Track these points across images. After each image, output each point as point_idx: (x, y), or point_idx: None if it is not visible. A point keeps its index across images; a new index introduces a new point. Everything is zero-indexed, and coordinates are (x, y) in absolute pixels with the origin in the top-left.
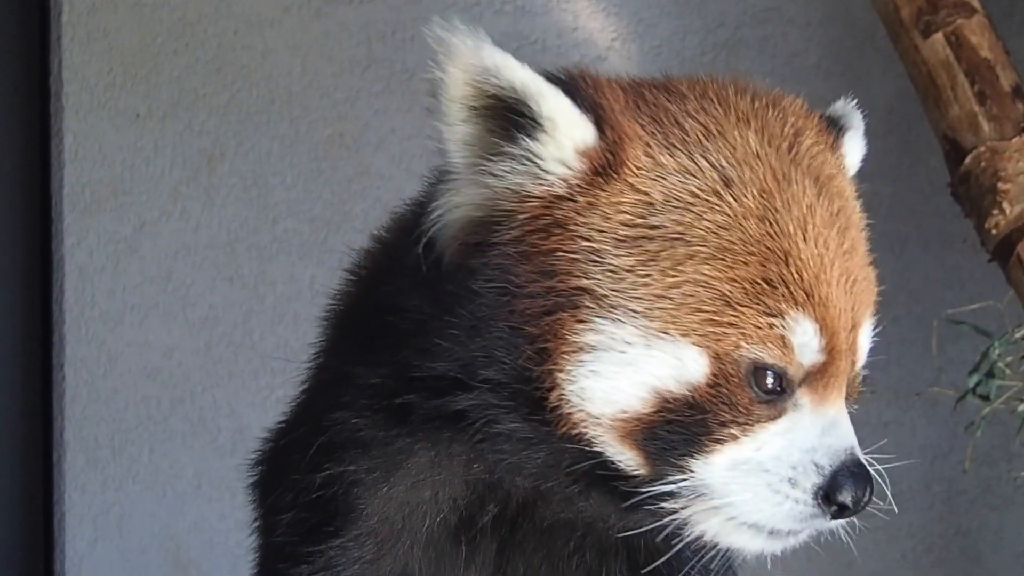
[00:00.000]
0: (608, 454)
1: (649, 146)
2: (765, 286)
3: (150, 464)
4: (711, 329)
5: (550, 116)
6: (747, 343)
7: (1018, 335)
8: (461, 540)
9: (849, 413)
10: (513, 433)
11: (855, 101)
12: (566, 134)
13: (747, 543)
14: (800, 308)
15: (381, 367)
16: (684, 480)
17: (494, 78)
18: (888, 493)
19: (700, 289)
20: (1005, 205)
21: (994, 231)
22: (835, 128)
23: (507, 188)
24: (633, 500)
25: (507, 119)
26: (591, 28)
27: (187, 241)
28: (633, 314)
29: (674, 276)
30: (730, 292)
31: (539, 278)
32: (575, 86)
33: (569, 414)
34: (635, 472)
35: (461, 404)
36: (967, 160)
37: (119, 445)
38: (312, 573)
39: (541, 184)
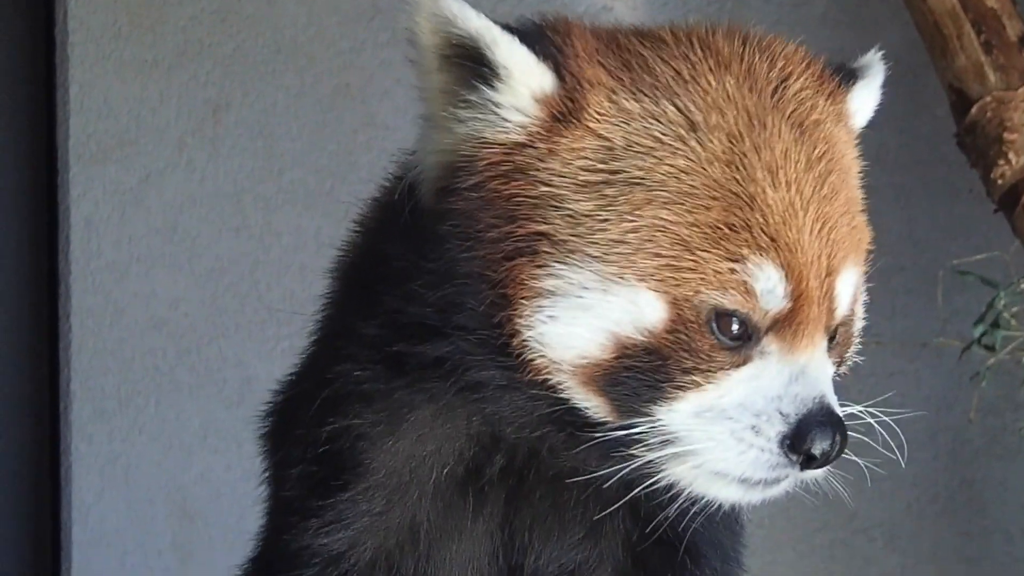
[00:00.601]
0: (575, 401)
1: (614, 92)
2: (727, 231)
3: (156, 415)
4: (669, 274)
5: (505, 64)
6: (707, 288)
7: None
8: (469, 491)
9: (845, 363)
10: (488, 381)
11: (880, 53)
12: (521, 82)
13: (719, 492)
14: (763, 253)
15: (376, 317)
16: (648, 426)
17: (453, 27)
18: (892, 444)
19: (658, 234)
20: (1011, 155)
21: (1000, 181)
22: (844, 77)
23: (470, 134)
24: (592, 444)
25: (471, 68)
26: None
27: (193, 192)
28: (590, 259)
29: (632, 221)
30: (689, 237)
31: (500, 223)
32: (539, 34)
33: (532, 360)
34: (602, 419)
35: (439, 351)
36: (973, 110)
37: (125, 396)
38: (322, 526)
39: (500, 131)
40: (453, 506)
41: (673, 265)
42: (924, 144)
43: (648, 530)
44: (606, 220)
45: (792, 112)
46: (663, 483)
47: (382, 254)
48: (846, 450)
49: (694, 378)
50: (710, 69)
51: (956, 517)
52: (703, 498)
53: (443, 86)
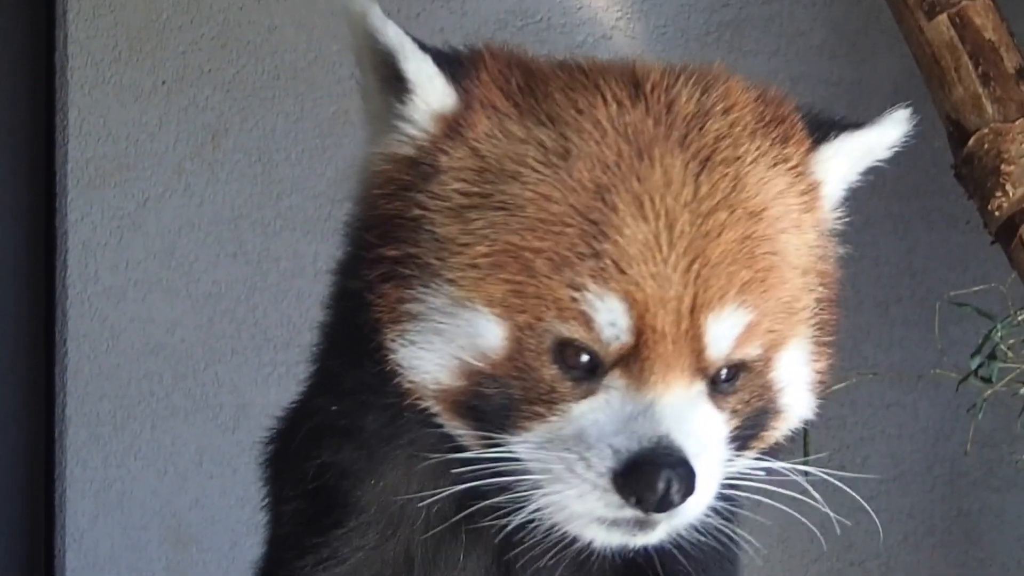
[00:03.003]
0: (447, 428)
1: (502, 114)
2: (574, 259)
3: (152, 440)
4: (515, 300)
5: (412, 77)
6: (548, 316)
7: (1020, 317)
8: (461, 528)
9: (774, 418)
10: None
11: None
12: (423, 96)
13: (582, 532)
14: (606, 283)
15: (338, 348)
16: (503, 456)
17: (375, 40)
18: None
19: (509, 259)
20: (1008, 187)
21: (997, 213)
22: (820, 127)
23: (381, 149)
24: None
25: (392, 82)
26: (596, 7)
27: (191, 217)
28: (446, 283)
29: (488, 245)
30: (537, 263)
31: (379, 243)
32: (454, 55)
33: (403, 385)
34: (471, 447)
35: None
36: (970, 142)
37: (121, 421)
38: (318, 563)
39: (399, 145)
40: (445, 542)
41: (519, 291)
42: (922, 175)
43: (635, 569)
44: (465, 244)
45: (698, 147)
46: (534, 518)
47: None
48: (846, 489)
49: (538, 408)
50: (613, 101)
51: (952, 548)
52: (577, 539)
53: (373, 102)
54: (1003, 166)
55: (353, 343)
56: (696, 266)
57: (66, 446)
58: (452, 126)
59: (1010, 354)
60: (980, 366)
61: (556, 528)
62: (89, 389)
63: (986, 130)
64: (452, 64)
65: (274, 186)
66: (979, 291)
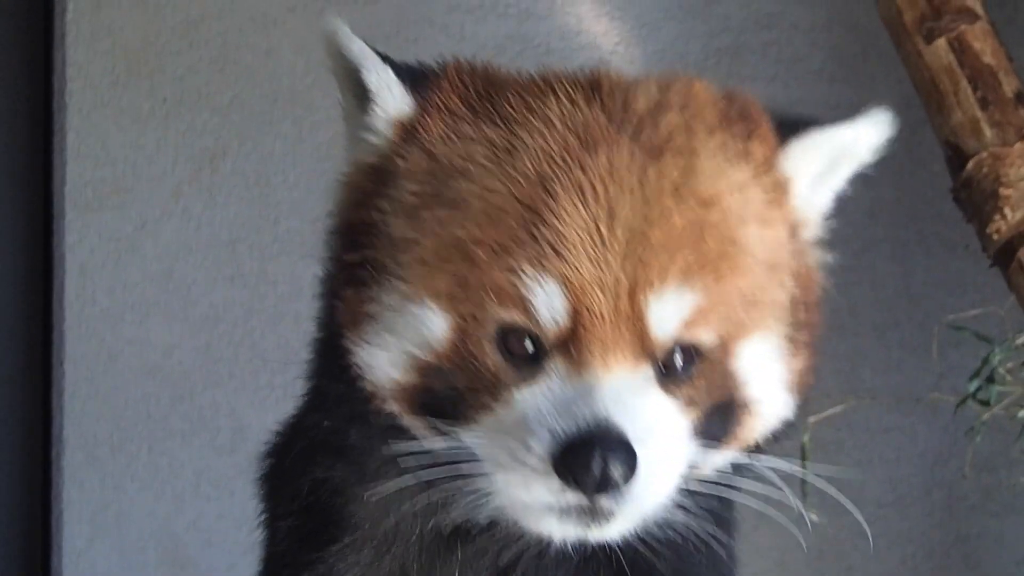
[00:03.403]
0: (408, 427)
1: (460, 118)
2: (514, 246)
3: (149, 462)
4: (458, 291)
5: (373, 87)
6: (488, 304)
7: (1019, 341)
8: (456, 545)
9: (740, 411)
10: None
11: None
12: (383, 105)
13: (537, 525)
14: (542, 268)
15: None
16: (451, 448)
17: (343, 58)
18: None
19: (454, 251)
20: (1007, 211)
21: (995, 236)
22: (788, 124)
23: (352, 159)
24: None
25: (360, 95)
26: (595, 32)
27: (188, 240)
28: (398, 280)
29: (436, 240)
30: (478, 253)
31: (343, 250)
32: (416, 67)
33: (368, 389)
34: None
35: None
36: (969, 165)
37: (118, 443)
38: None
39: (364, 154)
40: (441, 558)
41: (463, 282)
42: (920, 200)
43: None
44: (415, 241)
45: (650, 138)
46: (495, 511)
47: None
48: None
49: (484, 398)
50: (566, 99)
51: (951, 573)
52: (535, 534)
53: (350, 119)
54: (1001, 190)
55: (331, 355)
56: (637, 249)
57: (63, 468)
58: (409, 131)
59: (1008, 377)
60: (978, 389)
61: (517, 524)
62: (86, 411)
63: (984, 154)
64: (416, 75)
65: (272, 209)
66: (977, 315)
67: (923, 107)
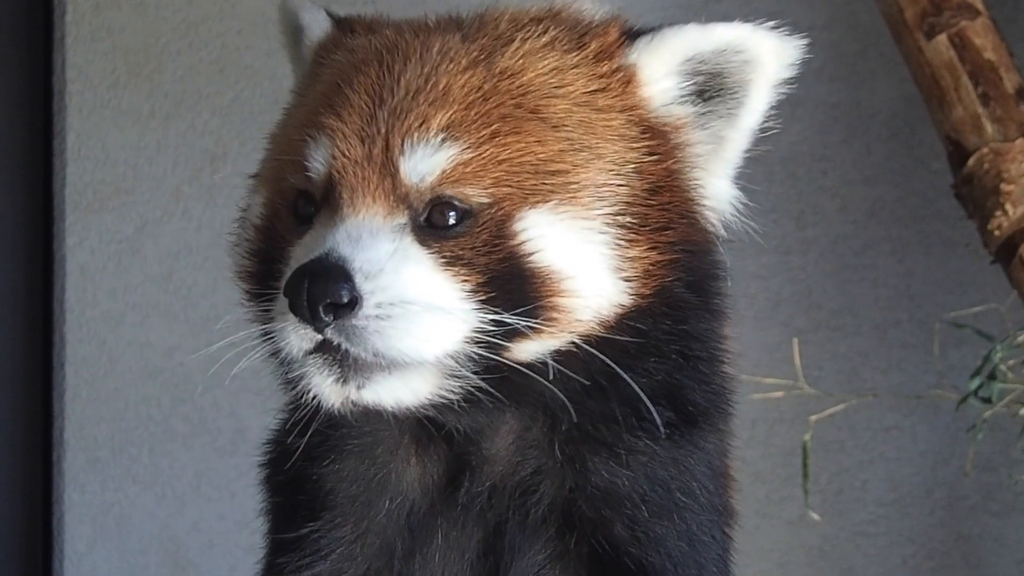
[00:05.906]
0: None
1: (338, 43)
2: (309, 126)
3: (150, 464)
4: (274, 172)
5: (304, 24)
6: (287, 174)
7: (1020, 338)
8: (438, 517)
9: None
10: None
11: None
12: (309, 36)
13: (309, 382)
14: (318, 129)
15: None
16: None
17: (287, 11)
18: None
19: (281, 141)
20: (1008, 207)
21: (997, 233)
22: (634, 33)
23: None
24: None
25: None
26: None
27: (189, 241)
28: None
29: (278, 135)
30: (289, 137)
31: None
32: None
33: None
34: None
35: None
36: (970, 162)
37: (119, 445)
38: (302, 558)
39: (295, 86)
40: (424, 532)
41: (278, 164)
42: (921, 197)
43: (607, 557)
44: (271, 142)
45: (476, 32)
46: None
47: None
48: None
49: (281, 266)
50: (413, 28)
51: (952, 572)
52: (313, 399)
53: (291, 60)
54: (1003, 186)
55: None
56: (407, 104)
57: (64, 470)
58: (319, 52)
59: (1010, 375)
60: (980, 387)
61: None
62: (87, 413)
63: (986, 150)
64: (343, 20)
65: None
66: (978, 312)
67: (924, 104)
